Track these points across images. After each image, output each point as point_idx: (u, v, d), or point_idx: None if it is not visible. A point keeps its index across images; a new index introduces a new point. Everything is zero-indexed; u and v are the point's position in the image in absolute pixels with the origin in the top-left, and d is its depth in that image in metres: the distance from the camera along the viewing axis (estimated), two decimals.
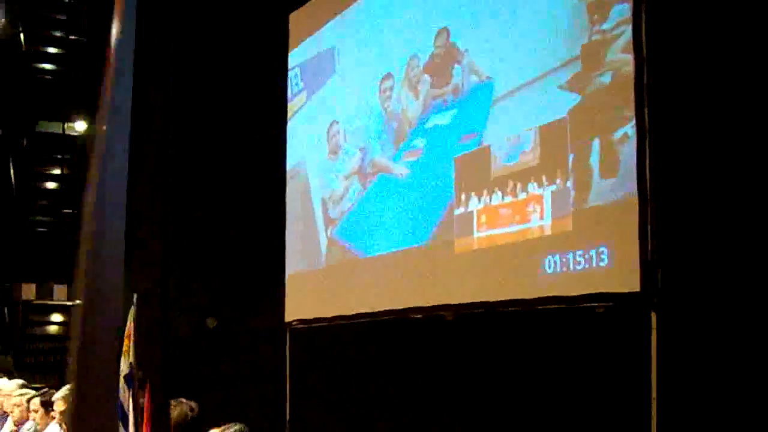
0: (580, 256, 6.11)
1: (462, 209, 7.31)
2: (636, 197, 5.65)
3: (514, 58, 6.91)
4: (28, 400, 7.82)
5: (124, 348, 10.67)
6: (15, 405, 8.09)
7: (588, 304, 6.12)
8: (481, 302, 7.10)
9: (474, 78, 7.40)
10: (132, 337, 10.63)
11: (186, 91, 10.87)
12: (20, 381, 8.81)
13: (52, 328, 18.42)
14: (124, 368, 10.62)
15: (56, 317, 18.22)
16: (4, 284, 16.96)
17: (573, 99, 6.25)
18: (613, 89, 5.93)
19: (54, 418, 7.05)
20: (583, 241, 6.08)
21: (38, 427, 7.40)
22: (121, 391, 10.50)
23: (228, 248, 15.52)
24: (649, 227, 5.59)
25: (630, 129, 5.70)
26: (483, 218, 7.10)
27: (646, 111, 5.60)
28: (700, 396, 5.51)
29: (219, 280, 14.91)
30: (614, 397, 6.12)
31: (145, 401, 10.53)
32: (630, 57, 5.75)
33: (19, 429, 8.06)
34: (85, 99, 17.44)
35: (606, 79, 5.98)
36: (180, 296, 12.42)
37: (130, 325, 10.63)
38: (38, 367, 16.20)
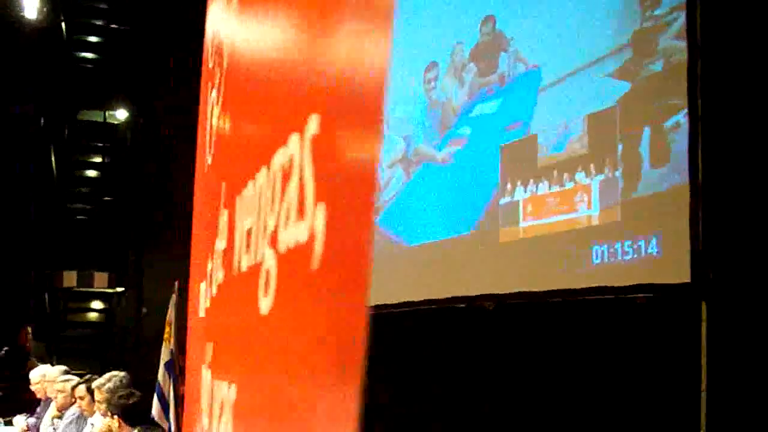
0: (628, 246, 6.01)
1: (508, 198, 7.23)
2: (687, 186, 5.54)
3: (561, 46, 6.82)
4: (73, 388, 7.83)
5: (165, 335, 10.70)
6: (59, 391, 8.12)
7: (636, 295, 6.03)
8: (525, 292, 7.01)
9: (521, 66, 7.32)
10: (173, 324, 10.66)
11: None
12: (63, 367, 8.83)
13: (92, 315, 18.48)
14: (165, 355, 10.66)
15: (96, 304, 18.28)
16: (45, 272, 17.03)
17: (623, 87, 6.15)
18: (665, 77, 5.82)
19: (98, 403, 7.04)
20: (632, 231, 5.99)
21: (85, 414, 7.40)
22: (162, 378, 10.54)
23: None
24: (700, 217, 5.48)
25: (682, 117, 5.60)
26: (529, 208, 7.02)
27: (699, 99, 5.48)
28: (751, 389, 5.40)
29: None
30: (662, 389, 6.02)
31: (184, 389, 10.57)
32: (683, 44, 5.63)
33: (62, 414, 8.08)
34: (126, 87, 17.46)
35: (658, 66, 5.87)
36: None
37: (170, 312, 10.66)
38: (78, 354, 16.27)
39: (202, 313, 2.32)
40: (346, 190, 0.79)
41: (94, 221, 17.85)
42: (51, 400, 8.74)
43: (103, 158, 18.42)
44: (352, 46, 0.82)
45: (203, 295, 2.27)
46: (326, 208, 0.84)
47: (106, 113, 18.02)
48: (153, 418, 6.81)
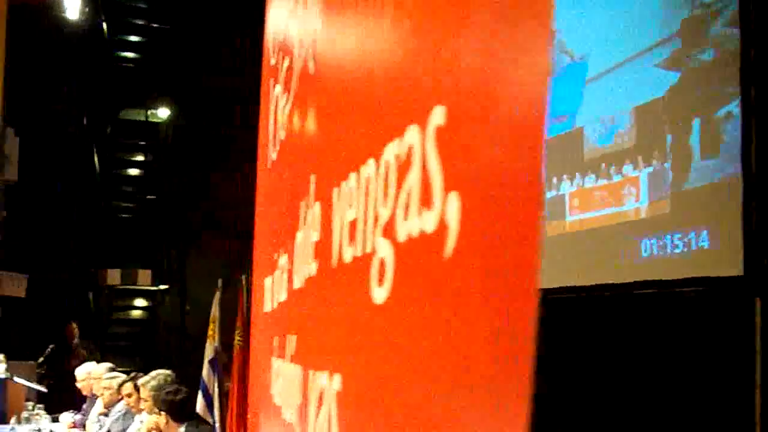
0: (678, 239, 5.95)
1: (553, 192, 7.19)
2: (739, 177, 5.46)
3: (607, 37, 6.76)
4: (120, 385, 7.89)
5: (210, 332, 10.77)
6: (105, 388, 8.18)
7: (686, 289, 5.97)
8: (572, 287, 6.98)
9: (566, 58, 7.27)
10: (217, 322, 10.73)
11: None
12: (109, 365, 8.91)
13: (136, 313, 18.62)
14: (209, 352, 10.73)
15: (140, 302, 18.42)
16: (89, 270, 17.18)
17: (672, 77, 6.08)
18: (715, 66, 5.73)
19: (144, 400, 7.09)
20: (682, 223, 5.92)
21: (132, 411, 7.46)
22: (206, 374, 10.61)
23: None
24: (753, 208, 5.41)
25: (734, 107, 5.52)
26: (576, 201, 6.98)
27: (752, 88, 5.41)
28: None
29: None
30: (715, 387, 5.96)
31: (230, 385, 10.62)
32: (735, 31, 5.56)
33: (109, 411, 8.15)
34: (167, 86, 17.57)
35: (708, 55, 5.79)
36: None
37: (214, 310, 10.73)
38: (122, 351, 16.42)
39: (269, 308, 2.31)
40: (490, 177, 0.79)
41: (137, 219, 17.99)
42: (97, 397, 8.81)
43: (146, 156, 18.56)
44: (486, 37, 0.82)
45: (270, 290, 2.27)
46: (460, 197, 0.84)
47: (148, 112, 18.15)
48: (198, 414, 6.85)
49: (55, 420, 9.15)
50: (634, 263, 6.29)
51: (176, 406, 5.94)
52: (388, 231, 1.04)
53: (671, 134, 6.05)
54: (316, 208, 1.47)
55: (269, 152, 2.45)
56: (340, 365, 1.23)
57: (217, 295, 10.65)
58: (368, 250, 1.11)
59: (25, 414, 8.80)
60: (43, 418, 8.55)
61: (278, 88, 2.37)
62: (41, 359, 11.24)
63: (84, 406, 9.53)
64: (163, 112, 18.23)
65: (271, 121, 2.45)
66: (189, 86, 17.21)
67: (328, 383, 1.28)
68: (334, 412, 1.24)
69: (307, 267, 1.52)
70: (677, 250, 5.96)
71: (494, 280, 0.75)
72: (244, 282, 10.37)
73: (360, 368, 1.13)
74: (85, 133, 17.30)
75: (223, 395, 10.63)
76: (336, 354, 1.27)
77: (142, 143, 18.47)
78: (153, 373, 7.16)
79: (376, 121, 1.15)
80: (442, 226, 0.86)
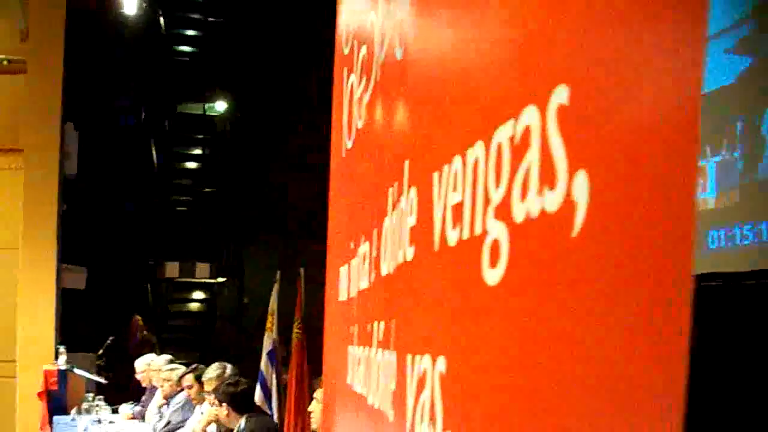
0: (748, 230, 5.83)
1: None
2: None
3: None
4: (180, 377, 7.93)
5: (268, 324, 10.81)
6: (165, 379, 8.23)
7: (755, 281, 5.85)
8: None
9: None
10: (275, 314, 10.77)
11: None
12: (169, 357, 8.97)
13: (194, 306, 18.77)
14: (267, 344, 10.77)
15: (198, 294, 18.57)
16: (148, 263, 17.35)
17: (743, 62, 5.92)
18: None
19: (206, 393, 7.12)
20: (752, 214, 5.79)
21: (194, 402, 7.50)
22: (264, 366, 10.66)
23: None
24: None
25: None
26: None
27: None
28: None
29: None
30: None
31: (288, 378, 10.66)
32: None
33: (168, 402, 8.20)
34: (224, 79, 17.67)
35: None
36: (320, 272, 12.47)
37: (273, 302, 10.77)
38: (180, 344, 16.56)
39: (344, 297, 2.32)
40: (628, 154, 0.75)
41: (195, 212, 18.14)
42: (156, 389, 8.87)
43: (203, 150, 18.68)
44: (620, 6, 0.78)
45: (346, 279, 2.28)
46: (589, 176, 0.81)
47: (206, 105, 18.28)
48: (258, 406, 6.86)
49: (114, 411, 9.23)
50: (701, 255, 6.17)
51: (237, 398, 5.95)
52: (502, 212, 1.02)
53: (741, 122, 5.90)
54: (412, 193, 1.45)
55: (343, 141, 2.45)
56: (444, 348, 1.22)
57: (276, 287, 10.69)
58: (477, 232, 1.10)
59: (85, 405, 8.89)
60: (103, 409, 8.63)
61: (353, 78, 2.36)
62: (101, 351, 11.36)
63: (143, 397, 9.61)
64: (220, 106, 18.35)
65: (345, 111, 2.44)
66: (246, 79, 17.28)
67: (431, 366, 1.26)
68: (438, 395, 1.22)
69: (400, 252, 1.50)
70: (747, 242, 5.83)
71: (637, 263, 0.71)
72: (302, 274, 10.39)
73: (467, 350, 1.13)
74: (143, 127, 17.46)
75: (281, 388, 10.66)
76: (440, 336, 1.26)
77: (200, 137, 18.60)
78: (214, 366, 7.19)
79: (484, 104, 1.13)
80: (569, 205, 0.83)
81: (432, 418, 1.24)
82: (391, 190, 1.67)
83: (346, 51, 2.54)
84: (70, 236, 12.92)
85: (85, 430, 7.92)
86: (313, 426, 5.00)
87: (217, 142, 18.35)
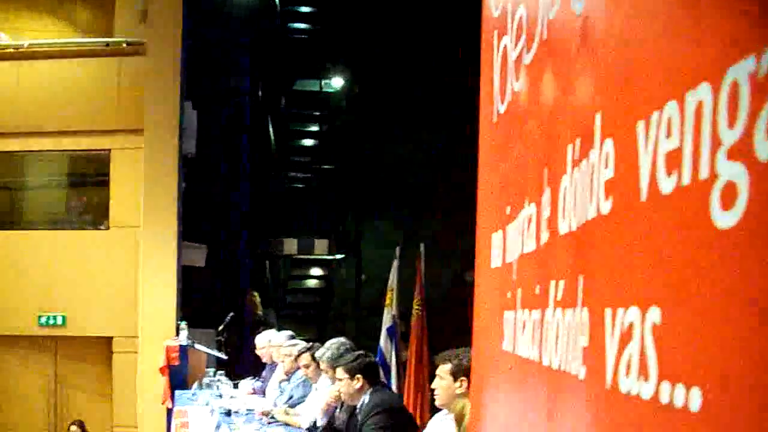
0: None
1: None
2: None
3: None
4: (296, 357, 7.87)
5: (387, 301, 10.71)
6: (285, 355, 8.18)
7: None
8: None
9: None
10: (395, 290, 10.66)
11: None
12: (289, 332, 8.92)
13: (312, 282, 18.87)
14: (386, 321, 10.68)
15: (316, 271, 18.66)
16: (266, 240, 17.49)
17: None
18: None
19: (325, 371, 7.05)
20: None
21: (310, 381, 7.43)
22: (384, 342, 10.57)
23: None
24: None
25: None
26: None
27: None
28: None
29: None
30: None
31: (408, 354, 10.55)
32: None
33: (289, 378, 8.16)
34: (340, 56, 17.63)
35: None
36: (439, 248, 12.36)
37: (392, 278, 10.66)
38: (298, 320, 16.64)
39: (498, 263, 2.28)
40: None
41: (313, 189, 18.21)
42: (276, 364, 8.85)
43: (320, 127, 18.71)
44: None
45: (500, 245, 2.25)
46: None
47: (322, 82, 18.28)
48: (382, 380, 6.73)
49: (235, 386, 9.26)
50: None
51: (370, 369, 5.83)
52: (739, 153, 0.98)
53: None
54: (608, 146, 1.42)
55: (494, 107, 2.40)
56: (657, 298, 1.19)
57: (395, 263, 10.58)
58: (703, 177, 1.06)
59: (206, 380, 8.94)
60: (224, 384, 8.65)
61: (506, 40, 2.33)
62: (221, 327, 11.44)
63: (263, 373, 9.62)
64: (336, 82, 18.34)
65: (497, 76, 2.40)
66: (362, 55, 17.20)
67: (639, 318, 1.24)
68: (650, 347, 1.20)
69: (590, 207, 1.48)
70: None
71: None
72: (422, 250, 10.26)
73: (687, 298, 1.10)
74: (259, 106, 17.54)
75: (401, 364, 10.57)
76: (651, 287, 1.22)
77: (317, 114, 18.63)
78: (328, 344, 7.09)
79: (710, 42, 1.09)
80: None
81: (643, 370, 1.22)
82: (570, 147, 1.64)
83: (497, 13, 2.49)
84: (190, 214, 13.05)
85: (206, 404, 7.94)
86: (437, 403, 4.82)
87: (334, 118, 18.34)
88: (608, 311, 1.36)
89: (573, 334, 1.56)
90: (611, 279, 1.38)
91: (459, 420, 3.61)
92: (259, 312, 14.69)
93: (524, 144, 2.07)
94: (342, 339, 7.10)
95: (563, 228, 1.68)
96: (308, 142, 18.84)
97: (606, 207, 1.41)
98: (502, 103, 2.31)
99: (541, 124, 1.91)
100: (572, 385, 1.54)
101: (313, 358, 7.27)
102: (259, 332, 9.95)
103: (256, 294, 14.84)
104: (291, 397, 7.71)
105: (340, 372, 5.74)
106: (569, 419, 1.55)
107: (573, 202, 1.62)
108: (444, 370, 4.70)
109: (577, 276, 1.55)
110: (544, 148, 1.87)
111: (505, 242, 2.23)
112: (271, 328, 11.72)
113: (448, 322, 11.92)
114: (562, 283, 1.67)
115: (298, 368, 7.93)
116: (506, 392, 2.16)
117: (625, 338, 1.28)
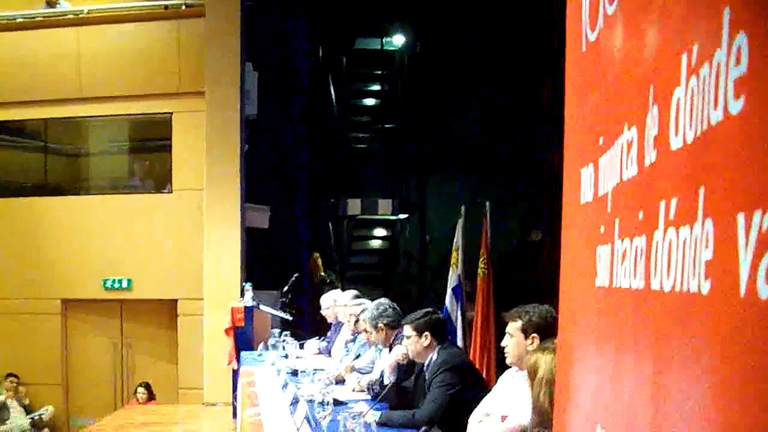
0: None
1: None
2: None
3: None
4: (355, 322, 7.78)
5: (452, 260, 10.58)
6: (351, 315, 8.10)
7: None
8: None
9: None
10: (460, 250, 10.52)
11: None
12: (354, 291, 8.82)
13: (375, 243, 18.78)
14: (452, 280, 10.55)
15: (379, 232, 18.56)
16: (329, 200, 17.43)
17: None
18: None
19: (367, 331, 6.96)
20: None
21: (372, 343, 7.31)
22: (449, 302, 10.46)
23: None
24: None
25: None
26: None
27: None
28: None
29: (543, 192, 14.55)
30: None
31: (474, 314, 10.43)
32: None
33: (355, 337, 8.08)
34: (401, 13, 17.39)
35: None
36: (504, 208, 12.18)
37: (458, 238, 10.52)
38: (362, 281, 16.56)
39: (589, 197, 2.20)
40: None
41: (376, 149, 18.07)
42: (341, 324, 8.78)
43: (382, 86, 18.50)
44: None
45: (590, 179, 2.18)
46: None
47: (383, 40, 18.05)
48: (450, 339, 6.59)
49: (300, 347, 9.21)
50: None
51: (439, 327, 5.69)
52: None
53: None
54: (740, 40, 1.31)
55: (583, 35, 2.32)
56: None
57: (460, 222, 10.43)
58: None
59: (271, 341, 8.89)
60: (289, 345, 8.59)
61: None
62: (286, 288, 11.40)
63: (329, 333, 9.56)
64: (398, 40, 18.09)
65: (585, 1, 2.29)
66: (423, 11, 16.94)
67: None
68: None
69: (712, 113, 1.40)
70: None
71: None
72: (488, 208, 10.10)
73: None
74: (320, 65, 17.41)
75: (467, 324, 10.46)
76: None
77: (378, 72, 18.39)
78: (373, 306, 6.97)
79: None
80: None
81: None
82: (685, 55, 1.54)
83: None
84: (253, 176, 13.02)
85: (272, 364, 7.89)
86: (508, 360, 4.68)
87: (396, 77, 18.12)
88: (741, 216, 1.28)
89: (692, 250, 1.48)
90: (744, 182, 1.29)
91: (532, 374, 3.46)
92: (321, 274, 14.64)
93: (621, 67, 1.97)
94: (382, 299, 7.00)
95: (676, 143, 1.61)
96: (370, 101, 18.66)
97: (736, 107, 1.33)
98: (593, 30, 2.23)
99: (643, 41, 1.81)
100: (692, 303, 1.47)
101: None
102: (324, 293, 9.88)
103: (317, 255, 14.78)
104: (358, 356, 7.62)
105: (408, 330, 5.60)
106: (688, 339, 1.48)
107: (689, 113, 1.54)
108: (514, 327, 4.59)
109: (697, 188, 1.47)
110: (648, 66, 1.77)
111: (596, 175, 2.15)
112: (333, 289, 11.68)
113: (514, 282, 11.78)
114: (674, 200, 1.59)
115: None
116: (603, 329, 2.05)
117: (764, 241, 1.20)
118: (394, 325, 6.63)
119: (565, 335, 2.35)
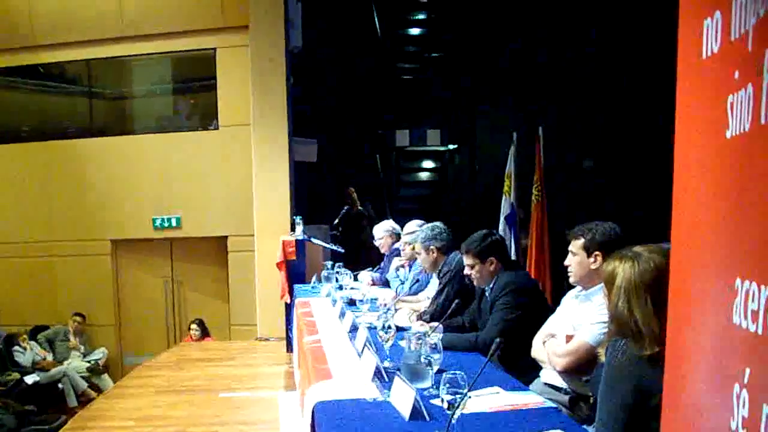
0: None
1: None
2: None
3: None
4: (412, 248, 7.67)
5: (505, 188, 10.42)
6: (407, 243, 8.01)
7: None
8: None
9: None
10: (512, 177, 10.36)
11: None
12: (419, 221, 8.72)
13: (424, 174, 18.64)
14: (505, 208, 10.41)
15: (428, 163, 18.40)
16: (377, 132, 17.27)
17: None
18: None
19: (418, 253, 6.84)
20: None
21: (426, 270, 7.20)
22: (502, 230, 10.32)
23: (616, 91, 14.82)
24: None
25: None
26: None
27: None
28: None
29: (599, 119, 14.30)
30: None
31: (528, 241, 10.31)
32: None
33: (411, 265, 7.99)
34: None
35: None
36: (556, 134, 11.93)
37: (510, 165, 10.36)
38: (410, 213, 16.48)
39: (713, 49, 1.85)
40: None
41: (423, 79, 17.81)
42: (394, 254, 8.69)
43: (428, 15, 18.17)
44: None
45: (716, 26, 1.84)
46: None
47: None
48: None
49: (355, 279, 9.14)
50: None
51: (501, 246, 5.53)
52: None
53: None
54: None
55: None
56: None
57: (512, 149, 10.25)
58: None
59: (324, 273, 8.82)
60: (344, 275, 8.51)
61: None
62: (336, 221, 11.32)
63: (382, 263, 9.48)
64: None
65: None
66: None
67: None
68: None
69: None
70: None
71: None
72: (540, 133, 9.91)
73: None
74: None
75: (521, 251, 10.34)
76: None
77: (424, 1, 18.06)
78: (428, 227, 6.84)
79: None
80: None
81: None
82: None
83: None
84: (299, 110, 12.89)
85: (327, 295, 7.82)
86: (572, 279, 4.54)
87: (443, 4, 17.79)
88: None
89: None
90: None
91: (609, 284, 3.31)
92: (359, 207, 14.50)
93: None
94: (437, 222, 6.87)
95: None
96: (416, 31, 18.36)
97: None
98: None
99: None
100: None
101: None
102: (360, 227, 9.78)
103: (353, 189, 14.63)
104: (417, 282, 7.53)
105: (470, 258, 5.44)
106: None
107: None
108: (577, 245, 4.45)
109: None
110: None
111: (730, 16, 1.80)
112: (372, 221, 11.59)
113: (568, 209, 11.58)
114: None
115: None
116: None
117: None
118: (445, 251, 6.51)
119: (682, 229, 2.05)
